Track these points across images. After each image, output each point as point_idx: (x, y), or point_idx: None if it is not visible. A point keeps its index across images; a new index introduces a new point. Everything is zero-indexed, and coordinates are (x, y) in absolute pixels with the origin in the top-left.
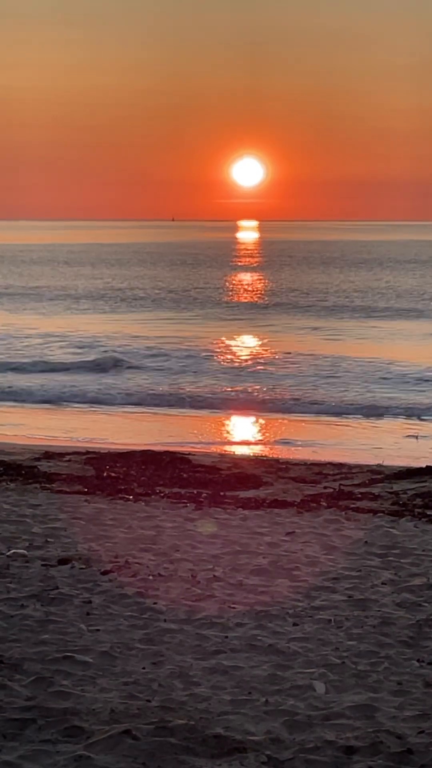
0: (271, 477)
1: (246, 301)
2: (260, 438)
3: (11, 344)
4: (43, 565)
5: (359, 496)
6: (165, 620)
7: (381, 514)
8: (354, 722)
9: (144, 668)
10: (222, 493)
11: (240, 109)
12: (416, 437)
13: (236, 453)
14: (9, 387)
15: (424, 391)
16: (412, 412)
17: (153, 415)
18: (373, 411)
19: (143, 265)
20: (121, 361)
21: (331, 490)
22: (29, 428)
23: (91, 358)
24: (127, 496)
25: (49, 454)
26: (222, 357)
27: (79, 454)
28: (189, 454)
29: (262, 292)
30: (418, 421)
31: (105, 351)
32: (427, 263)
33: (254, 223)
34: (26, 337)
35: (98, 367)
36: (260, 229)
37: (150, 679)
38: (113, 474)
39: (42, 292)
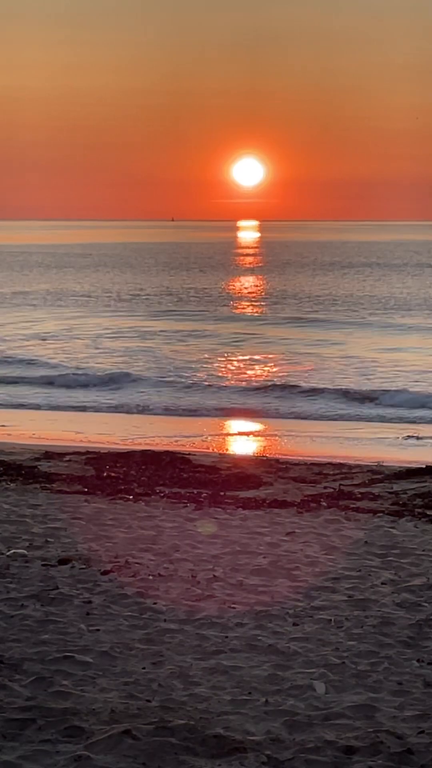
0: (271, 477)
1: (245, 312)
2: (260, 439)
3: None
4: (43, 565)
5: (359, 496)
6: (165, 620)
7: (381, 514)
8: (354, 722)
9: (144, 668)
10: (222, 493)
11: (240, 109)
12: (416, 437)
13: (236, 453)
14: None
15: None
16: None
17: (154, 417)
18: (374, 415)
19: (143, 267)
20: (129, 375)
21: (331, 490)
22: (29, 428)
23: (100, 373)
24: (127, 496)
25: (49, 454)
26: (224, 370)
27: (79, 454)
28: (189, 454)
29: (262, 300)
30: (417, 423)
31: (114, 366)
32: (421, 266)
33: (254, 223)
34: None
35: (110, 382)
36: (260, 229)
37: (150, 679)
38: (113, 474)
39: (41, 295)
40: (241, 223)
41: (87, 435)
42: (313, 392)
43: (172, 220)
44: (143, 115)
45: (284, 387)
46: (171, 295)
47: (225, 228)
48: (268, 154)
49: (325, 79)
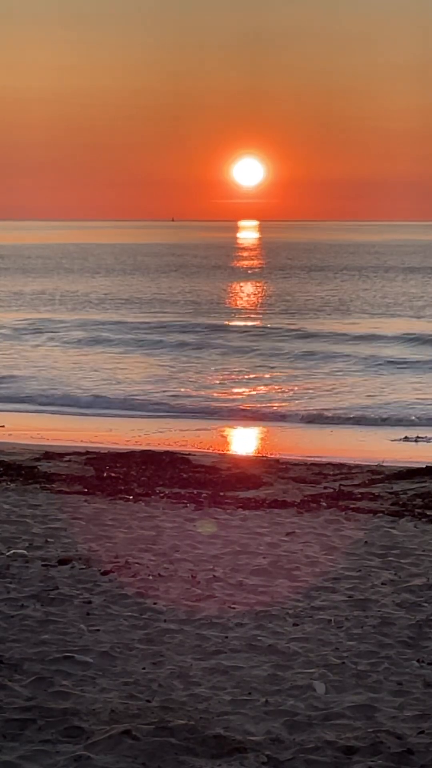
0: (271, 477)
1: (243, 323)
2: (260, 440)
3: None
4: (43, 565)
5: (359, 496)
6: (165, 620)
7: (381, 514)
8: (354, 722)
9: (144, 668)
10: (222, 493)
11: (240, 109)
12: (416, 439)
13: (236, 453)
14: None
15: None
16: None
17: (154, 419)
18: (373, 420)
19: (141, 269)
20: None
21: (331, 490)
22: (29, 428)
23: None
24: (127, 496)
25: (49, 454)
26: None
27: (79, 454)
28: (189, 454)
29: (261, 311)
30: (417, 425)
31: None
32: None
33: (255, 223)
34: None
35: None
36: (260, 229)
37: (150, 679)
38: (113, 474)
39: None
40: (242, 223)
41: (87, 435)
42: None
43: (173, 220)
44: (143, 115)
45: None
46: (164, 300)
47: (225, 228)
48: (268, 154)
49: (325, 79)
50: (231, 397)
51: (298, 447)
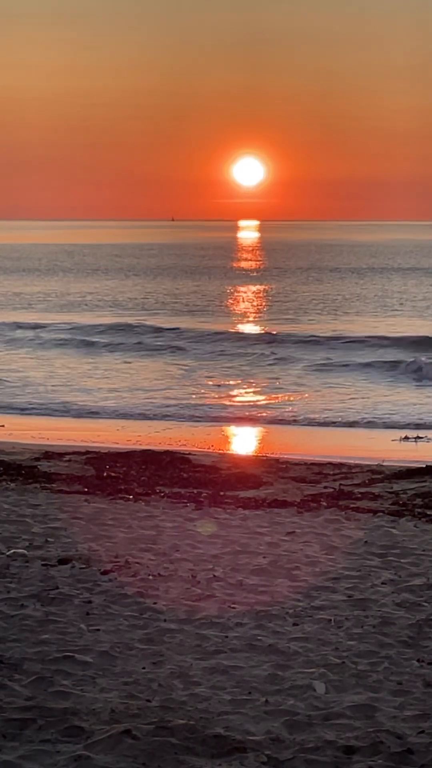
0: (271, 477)
1: (243, 325)
2: (260, 440)
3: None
4: (43, 565)
5: (359, 496)
6: (165, 620)
7: (381, 514)
8: (354, 722)
9: (144, 668)
10: (222, 493)
11: (240, 109)
12: (416, 439)
13: (236, 453)
14: None
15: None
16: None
17: (152, 420)
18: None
19: (138, 270)
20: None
21: (331, 490)
22: (29, 428)
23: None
24: (127, 496)
25: (49, 454)
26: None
27: (79, 454)
28: (189, 453)
29: (261, 313)
30: (417, 427)
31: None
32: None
33: (255, 223)
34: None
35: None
36: (261, 228)
37: (150, 679)
38: (113, 474)
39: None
40: (242, 223)
41: (87, 434)
42: None
43: (173, 220)
44: (143, 115)
45: None
46: (162, 302)
47: (225, 228)
48: (268, 154)
49: (325, 79)
50: (230, 399)
51: (298, 447)
